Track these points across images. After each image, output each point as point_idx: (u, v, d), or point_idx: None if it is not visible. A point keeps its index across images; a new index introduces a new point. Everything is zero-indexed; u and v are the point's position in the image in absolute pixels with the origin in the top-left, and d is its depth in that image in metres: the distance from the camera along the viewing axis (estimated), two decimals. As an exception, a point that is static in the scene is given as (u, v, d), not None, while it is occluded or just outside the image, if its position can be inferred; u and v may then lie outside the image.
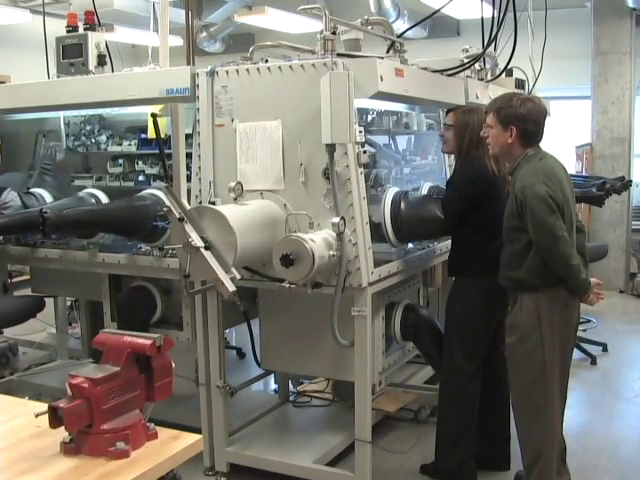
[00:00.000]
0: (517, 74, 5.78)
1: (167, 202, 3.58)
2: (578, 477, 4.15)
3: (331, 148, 3.67)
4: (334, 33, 3.88)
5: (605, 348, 6.99)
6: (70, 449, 2.06)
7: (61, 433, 2.06)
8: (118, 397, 2.11)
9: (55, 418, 2.04)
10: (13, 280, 5.99)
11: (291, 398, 5.32)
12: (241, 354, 6.44)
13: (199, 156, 4.16)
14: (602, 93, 9.34)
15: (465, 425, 4.23)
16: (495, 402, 4.36)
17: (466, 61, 4.83)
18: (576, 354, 6.14)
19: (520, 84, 5.75)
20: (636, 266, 9.45)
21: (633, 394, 5.95)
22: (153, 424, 2.19)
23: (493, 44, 4.91)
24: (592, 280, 3.71)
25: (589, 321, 7.68)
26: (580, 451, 4.66)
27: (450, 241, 4.35)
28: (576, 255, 3.60)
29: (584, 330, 7.29)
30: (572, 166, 9.03)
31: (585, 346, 6.75)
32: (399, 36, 4.75)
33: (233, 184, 3.80)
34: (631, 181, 7.85)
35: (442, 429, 4.32)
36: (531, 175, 3.60)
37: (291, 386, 5.42)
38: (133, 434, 2.09)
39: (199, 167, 4.16)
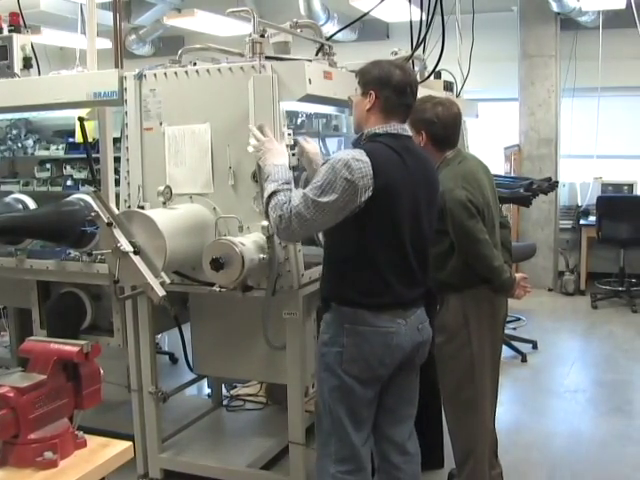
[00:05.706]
0: (445, 76, 5.83)
1: (95, 207, 3.53)
2: (510, 472, 4.22)
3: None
4: (262, 36, 3.87)
5: (535, 345, 7.12)
6: (-4, 460, 2.03)
7: (-14, 444, 2.03)
8: (45, 406, 2.08)
9: (-20, 429, 2.00)
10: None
11: (225, 402, 5.30)
12: (174, 359, 6.38)
13: (127, 160, 4.11)
14: (529, 95, 9.52)
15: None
16: (426, 402, 4.39)
17: (395, 64, 4.86)
18: (506, 352, 6.27)
19: (448, 86, 5.81)
20: (564, 264, 9.64)
21: (563, 390, 6.07)
22: (82, 432, 2.17)
23: (422, 47, 4.97)
24: (517, 275, 3.79)
25: (519, 319, 7.82)
26: (512, 446, 4.74)
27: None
28: (498, 256, 3.66)
29: (514, 328, 7.43)
30: (501, 167, 9.16)
31: (515, 344, 6.87)
32: (328, 39, 4.77)
33: (162, 188, 3.77)
34: (557, 182, 7.99)
35: (375, 429, 4.34)
36: (450, 180, 3.63)
37: (224, 390, 5.40)
38: (61, 443, 2.07)
39: (127, 171, 4.11)
